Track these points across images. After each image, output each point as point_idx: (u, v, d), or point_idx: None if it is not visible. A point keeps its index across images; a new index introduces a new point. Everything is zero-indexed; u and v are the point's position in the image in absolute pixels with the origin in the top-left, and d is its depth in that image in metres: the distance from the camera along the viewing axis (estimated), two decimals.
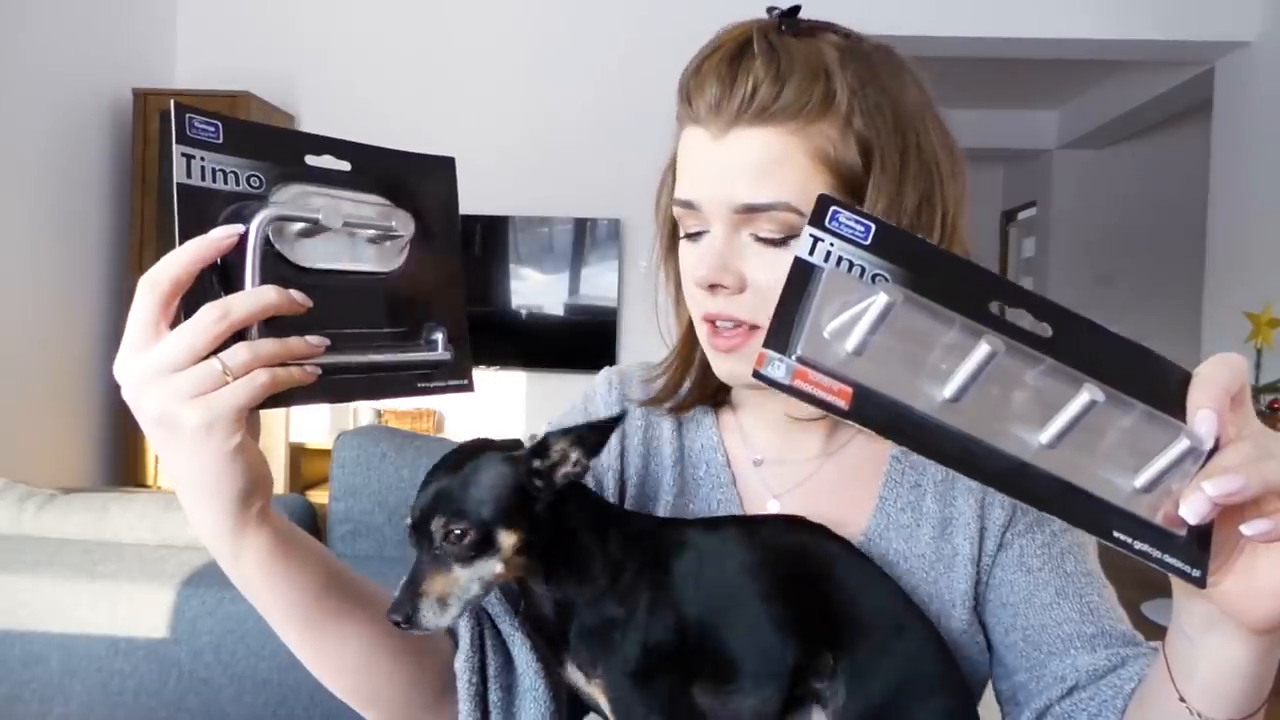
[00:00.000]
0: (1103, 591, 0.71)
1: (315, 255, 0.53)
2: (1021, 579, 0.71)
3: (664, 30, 3.79)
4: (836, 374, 0.45)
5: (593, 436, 0.60)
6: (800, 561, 0.65)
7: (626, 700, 0.61)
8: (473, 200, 4.25)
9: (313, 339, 0.50)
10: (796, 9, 0.68)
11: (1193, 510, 0.43)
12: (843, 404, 0.45)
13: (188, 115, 0.49)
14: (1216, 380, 0.45)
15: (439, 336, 0.58)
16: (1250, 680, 0.50)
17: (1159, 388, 0.46)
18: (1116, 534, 0.44)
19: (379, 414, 3.80)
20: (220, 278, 0.49)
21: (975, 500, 0.73)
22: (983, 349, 0.44)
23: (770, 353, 0.45)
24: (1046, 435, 0.45)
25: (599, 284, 3.98)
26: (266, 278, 0.50)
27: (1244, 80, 4.16)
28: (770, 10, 0.69)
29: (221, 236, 0.48)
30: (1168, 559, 0.44)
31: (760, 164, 0.64)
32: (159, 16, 4.00)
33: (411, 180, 0.57)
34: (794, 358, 0.45)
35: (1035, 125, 6.48)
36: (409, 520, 0.59)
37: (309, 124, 4.07)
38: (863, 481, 0.75)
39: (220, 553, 0.53)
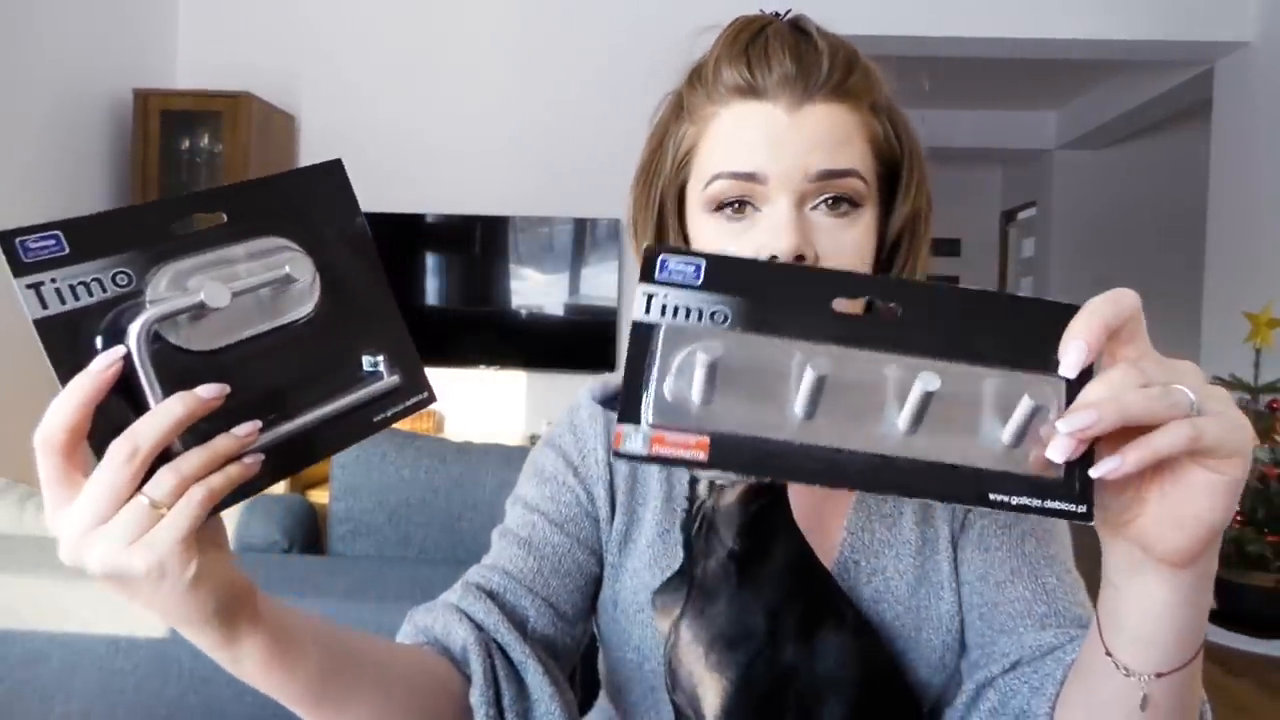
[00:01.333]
0: (1064, 576, 0.71)
1: (216, 334, 0.47)
2: (979, 557, 0.72)
3: (666, 30, 3.79)
4: (691, 429, 0.45)
5: None
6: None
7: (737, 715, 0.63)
8: (473, 200, 4.26)
9: (241, 429, 0.45)
10: (789, 13, 0.72)
11: (1058, 450, 0.42)
12: (702, 455, 0.44)
13: (18, 240, 0.42)
14: (1096, 312, 0.43)
15: (379, 363, 0.53)
16: (1177, 626, 0.48)
17: (1032, 331, 0.45)
18: (992, 496, 0.44)
19: None
20: (125, 394, 0.44)
21: None
22: (809, 375, 0.44)
23: (625, 426, 0.45)
24: (903, 423, 0.45)
25: (599, 284, 3.99)
26: (169, 382, 0.44)
27: (1244, 80, 4.16)
28: (778, 14, 0.71)
29: (103, 369, 0.42)
30: (1049, 504, 0.44)
31: (835, 135, 0.66)
32: (159, 16, 4.01)
33: (299, 201, 0.51)
34: (647, 424, 0.45)
35: (1035, 125, 6.48)
36: None
37: (309, 124, 4.07)
38: None
39: (219, 661, 0.52)
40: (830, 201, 0.66)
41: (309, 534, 1.42)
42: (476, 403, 4.02)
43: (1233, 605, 3.44)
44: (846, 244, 0.67)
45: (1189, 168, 5.54)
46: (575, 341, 3.99)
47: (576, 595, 0.75)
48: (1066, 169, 6.48)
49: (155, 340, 0.45)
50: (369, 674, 0.58)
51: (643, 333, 0.46)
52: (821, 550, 0.73)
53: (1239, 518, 3.21)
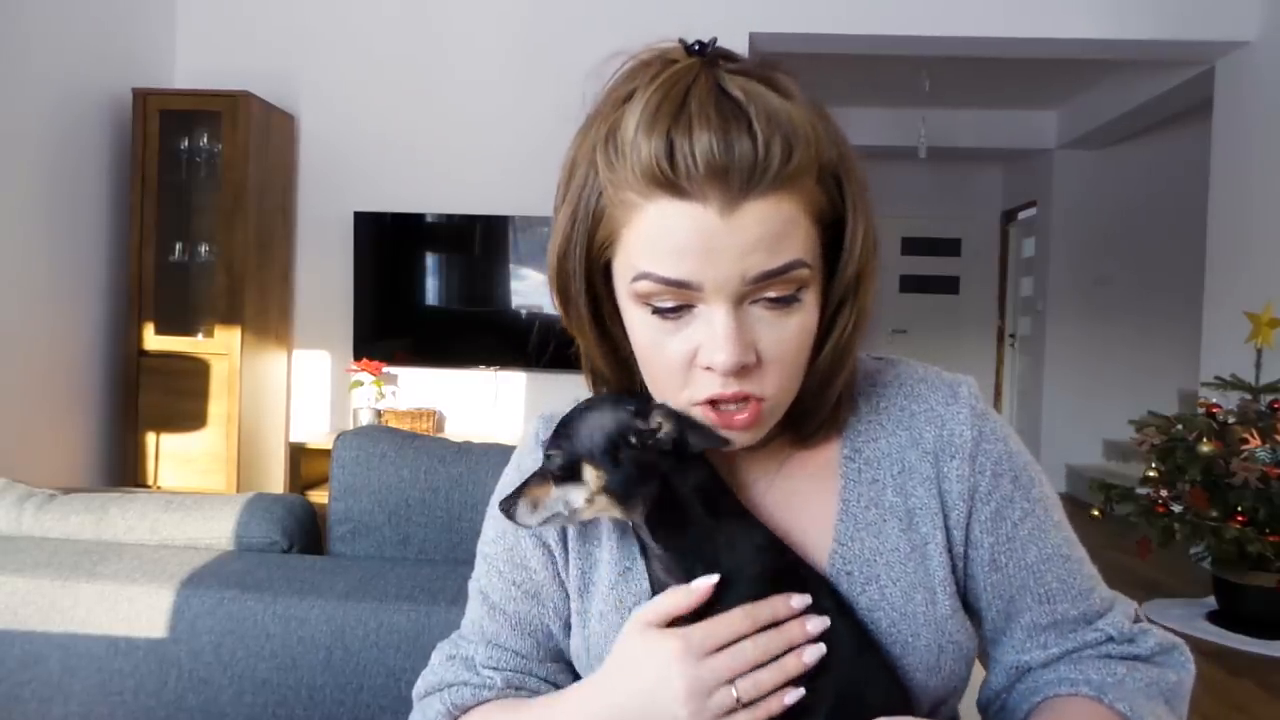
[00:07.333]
0: (1064, 567, 0.74)
1: None
2: (992, 578, 0.73)
3: (666, 29, 3.78)
4: None
5: (687, 421, 0.65)
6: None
7: None
8: (473, 200, 4.25)
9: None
10: (714, 42, 0.66)
11: None
12: None
13: None
14: None
15: None
16: None
17: None
18: None
19: (379, 414, 3.80)
20: None
21: (934, 489, 0.72)
22: None
23: None
24: None
25: None
26: None
27: (1244, 80, 4.16)
28: (694, 46, 0.65)
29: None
30: None
31: (776, 232, 0.60)
32: (159, 16, 4.01)
33: None
34: None
35: (1035, 125, 6.48)
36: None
37: (308, 124, 4.07)
38: (820, 488, 0.74)
39: None
40: (770, 299, 0.62)
41: (309, 534, 1.41)
42: (476, 403, 4.02)
43: (1233, 605, 3.44)
44: (789, 334, 0.64)
45: (1189, 167, 5.54)
46: (575, 342, 3.98)
47: (568, 675, 0.79)
48: (1066, 169, 6.48)
49: None
50: None
51: None
52: (820, 526, 0.73)
53: (1240, 518, 3.21)
